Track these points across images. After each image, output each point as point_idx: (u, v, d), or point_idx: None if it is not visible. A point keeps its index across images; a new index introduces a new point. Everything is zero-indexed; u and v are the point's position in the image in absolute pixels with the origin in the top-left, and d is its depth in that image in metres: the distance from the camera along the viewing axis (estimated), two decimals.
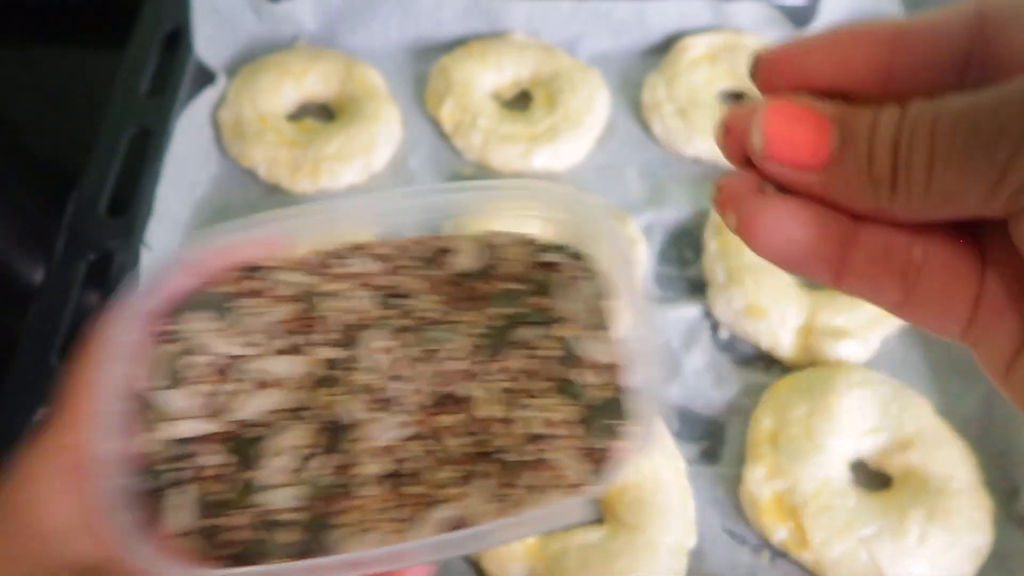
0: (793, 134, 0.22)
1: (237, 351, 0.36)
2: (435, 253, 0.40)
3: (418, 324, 0.37)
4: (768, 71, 0.24)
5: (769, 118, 0.22)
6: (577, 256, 0.38)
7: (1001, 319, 0.24)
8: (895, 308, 0.25)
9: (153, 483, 0.33)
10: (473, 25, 0.94)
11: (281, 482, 0.34)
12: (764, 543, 0.64)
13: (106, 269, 0.73)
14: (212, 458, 0.34)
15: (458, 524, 0.33)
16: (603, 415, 0.34)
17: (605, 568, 0.60)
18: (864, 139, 0.21)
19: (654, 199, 0.84)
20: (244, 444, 0.34)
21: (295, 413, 0.35)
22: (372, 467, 0.34)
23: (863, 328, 0.73)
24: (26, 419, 0.64)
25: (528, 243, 0.39)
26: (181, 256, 0.36)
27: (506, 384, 0.36)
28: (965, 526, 0.62)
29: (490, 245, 0.39)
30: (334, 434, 0.35)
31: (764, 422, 0.67)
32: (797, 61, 0.23)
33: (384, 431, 0.35)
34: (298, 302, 0.38)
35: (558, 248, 0.39)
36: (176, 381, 0.35)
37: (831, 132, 0.21)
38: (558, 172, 0.86)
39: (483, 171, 0.85)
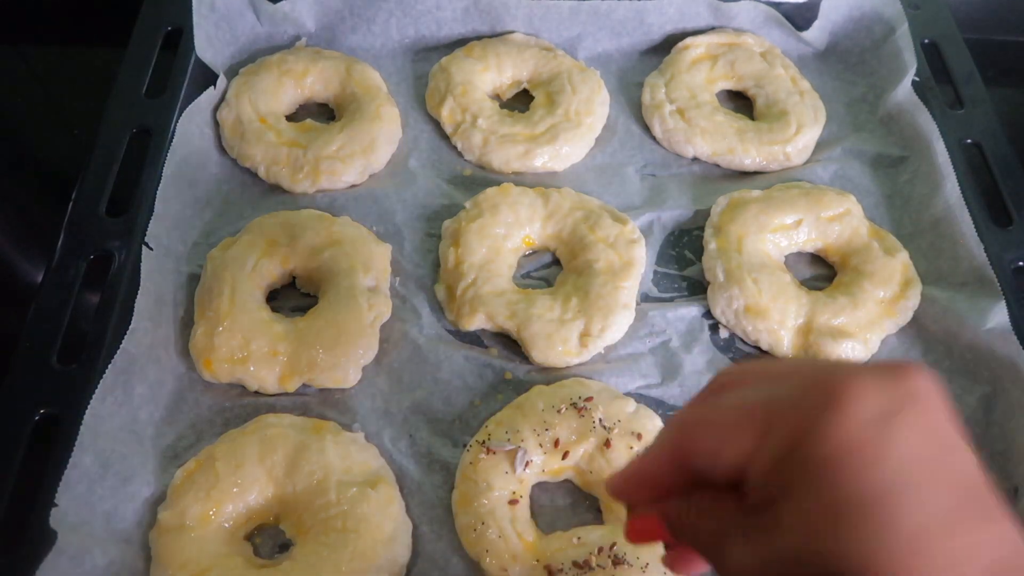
0: (642, 533, 0.45)
1: None
2: None
3: None
4: (615, 494, 0.45)
5: (627, 529, 0.46)
6: None
7: None
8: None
9: None
10: (473, 25, 0.94)
11: None
12: None
13: (106, 269, 0.73)
14: None
15: None
16: None
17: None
18: (674, 521, 0.42)
19: (654, 199, 0.84)
20: None
21: None
22: None
23: (863, 328, 0.73)
24: (26, 419, 0.64)
25: None
26: None
27: None
28: None
29: None
30: None
31: None
32: (628, 487, 0.45)
33: None
34: None
35: None
36: None
37: (660, 522, 0.43)
38: (558, 172, 0.86)
39: (483, 171, 0.85)
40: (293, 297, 0.77)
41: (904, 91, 0.88)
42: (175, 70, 0.87)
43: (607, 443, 0.64)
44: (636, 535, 0.46)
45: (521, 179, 0.84)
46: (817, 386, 0.37)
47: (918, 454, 0.35)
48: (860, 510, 0.34)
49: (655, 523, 0.43)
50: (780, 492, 0.36)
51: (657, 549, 0.61)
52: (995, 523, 0.35)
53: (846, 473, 0.34)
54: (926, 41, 0.94)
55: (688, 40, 0.93)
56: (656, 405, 0.70)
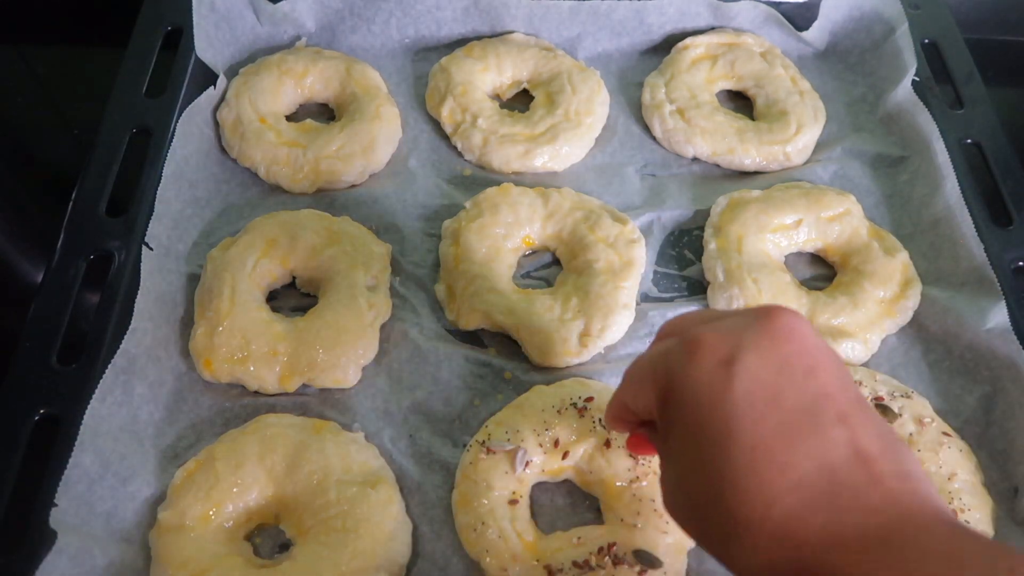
0: (636, 447, 0.61)
1: None
2: None
3: None
4: (609, 426, 0.58)
5: (628, 445, 0.62)
6: None
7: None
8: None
9: None
10: (473, 25, 0.94)
11: None
12: None
13: (106, 269, 0.73)
14: None
15: None
16: None
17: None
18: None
19: (654, 199, 0.84)
20: None
21: None
22: None
23: (863, 328, 0.73)
24: (26, 419, 0.64)
25: None
26: None
27: None
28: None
29: None
30: None
31: None
32: (610, 423, 0.55)
33: None
34: None
35: None
36: None
37: (648, 438, 0.54)
38: (558, 172, 0.86)
39: (483, 171, 0.85)
40: (293, 297, 0.77)
41: (904, 91, 0.88)
42: (175, 70, 0.87)
43: (607, 443, 0.64)
44: (632, 448, 0.60)
45: (521, 179, 0.84)
46: (684, 341, 0.45)
47: (761, 383, 0.42)
48: (711, 435, 0.42)
49: (644, 439, 0.54)
50: (667, 430, 0.45)
51: (656, 552, 0.61)
52: (831, 430, 0.41)
53: (700, 409, 0.43)
54: (926, 41, 0.94)
55: (688, 40, 0.93)
56: None
